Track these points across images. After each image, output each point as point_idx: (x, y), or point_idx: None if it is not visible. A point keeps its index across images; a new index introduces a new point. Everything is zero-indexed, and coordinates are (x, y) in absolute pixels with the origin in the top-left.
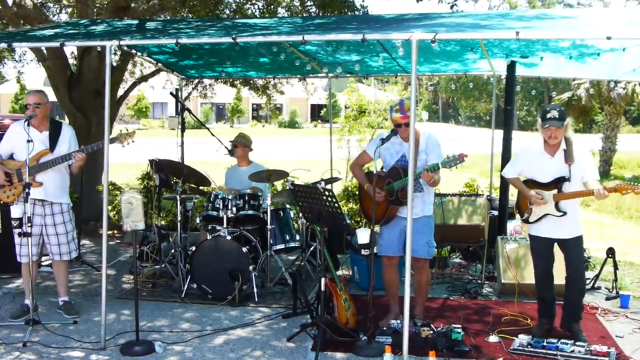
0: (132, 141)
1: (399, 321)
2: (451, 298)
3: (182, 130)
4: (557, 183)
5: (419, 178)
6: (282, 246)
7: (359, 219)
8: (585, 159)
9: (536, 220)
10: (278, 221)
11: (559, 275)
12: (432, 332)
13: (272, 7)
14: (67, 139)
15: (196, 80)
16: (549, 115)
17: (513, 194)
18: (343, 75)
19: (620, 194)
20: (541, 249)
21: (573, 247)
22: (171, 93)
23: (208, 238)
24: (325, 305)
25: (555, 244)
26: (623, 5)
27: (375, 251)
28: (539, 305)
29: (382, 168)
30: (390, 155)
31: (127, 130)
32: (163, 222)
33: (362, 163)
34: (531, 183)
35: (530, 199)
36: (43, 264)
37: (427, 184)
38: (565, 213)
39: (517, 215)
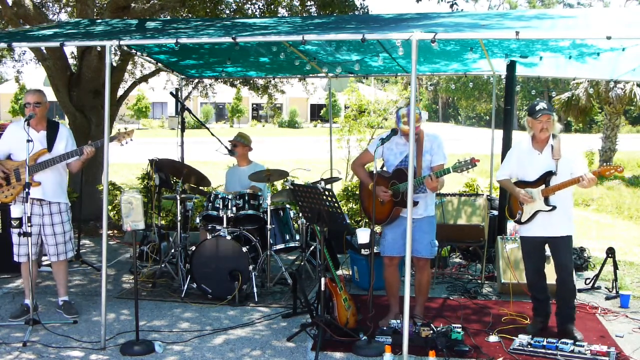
0: (131, 140)
1: (399, 321)
2: (451, 298)
3: (182, 130)
4: (545, 178)
5: (423, 184)
6: (282, 246)
7: (359, 219)
8: (574, 155)
9: (528, 220)
10: (278, 221)
11: (551, 275)
12: (432, 332)
13: (272, 7)
14: (64, 139)
15: (196, 80)
16: (538, 107)
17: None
18: (343, 75)
19: (604, 175)
20: (532, 249)
21: (562, 247)
22: (171, 93)
23: (208, 238)
24: (325, 305)
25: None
26: (623, 5)
27: (378, 251)
28: (534, 304)
29: (382, 167)
30: (394, 155)
31: (125, 129)
32: (163, 222)
33: (364, 162)
34: (521, 184)
35: (519, 197)
36: (43, 263)
37: (429, 189)
38: (554, 207)
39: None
